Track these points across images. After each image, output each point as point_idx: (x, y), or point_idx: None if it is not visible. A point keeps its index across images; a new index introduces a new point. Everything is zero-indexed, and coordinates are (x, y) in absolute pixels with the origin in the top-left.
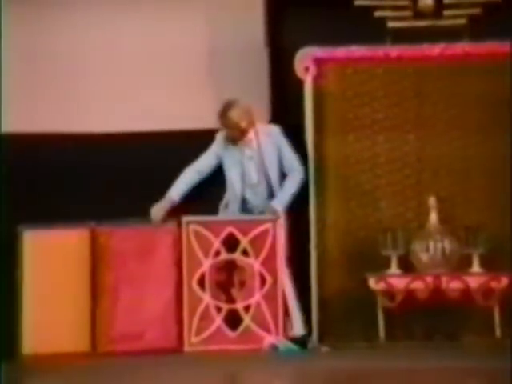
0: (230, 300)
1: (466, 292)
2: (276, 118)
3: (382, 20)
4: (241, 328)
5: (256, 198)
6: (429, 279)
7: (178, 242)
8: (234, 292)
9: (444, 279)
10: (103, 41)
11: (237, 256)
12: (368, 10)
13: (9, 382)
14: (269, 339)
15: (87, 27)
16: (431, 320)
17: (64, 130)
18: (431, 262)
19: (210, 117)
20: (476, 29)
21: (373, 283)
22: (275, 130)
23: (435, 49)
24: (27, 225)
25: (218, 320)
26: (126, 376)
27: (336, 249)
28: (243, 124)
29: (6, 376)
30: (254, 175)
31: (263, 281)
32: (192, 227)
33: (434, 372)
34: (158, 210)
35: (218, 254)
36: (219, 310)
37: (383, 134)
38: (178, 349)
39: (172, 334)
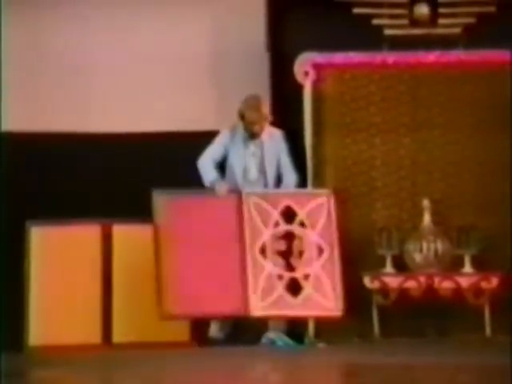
0: (291, 269)
1: (458, 291)
2: (276, 120)
3: (380, 28)
4: (302, 295)
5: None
6: (422, 278)
7: (239, 213)
8: (294, 261)
9: (436, 279)
10: (106, 42)
11: (294, 227)
12: (366, 17)
13: (16, 373)
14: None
15: (90, 28)
16: (424, 318)
17: (67, 130)
18: (424, 261)
19: (212, 119)
20: (470, 37)
21: (368, 282)
22: (278, 134)
23: (430, 56)
24: (34, 220)
25: (280, 287)
26: (136, 367)
27: None
28: (266, 123)
29: (13, 367)
30: (254, 172)
31: (321, 251)
32: (252, 199)
33: (427, 367)
34: (221, 187)
35: (277, 224)
36: (281, 277)
37: (379, 137)
38: (244, 314)
39: (238, 300)
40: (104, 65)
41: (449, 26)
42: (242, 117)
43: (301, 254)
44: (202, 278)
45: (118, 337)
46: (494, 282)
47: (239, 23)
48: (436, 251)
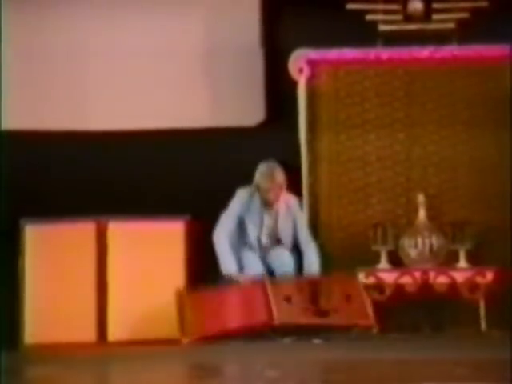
0: None
1: (453, 286)
2: (270, 116)
3: (374, 23)
4: None
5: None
6: (417, 274)
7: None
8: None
9: (432, 274)
10: (102, 41)
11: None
12: (360, 13)
13: (11, 371)
14: None
15: (87, 27)
16: (419, 313)
17: (65, 128)
18: (419, 257)
19: (207, 116)
20: (464, 32)
21: (363, 277)
22: (293, 201)
23: (424, 51)
24: (29, 218)
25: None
26: (131, 365)
27: (328, 244)
28: (284, 186)
29: (8, 365)
30: (265, 240)
31: None
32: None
33: (423, 362)
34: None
35: None
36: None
37: (374, 133)
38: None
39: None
40: (100, 63)
41: (442, 21)
42: (257, 186)
43: None
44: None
45: (113, 335)
46: (489, 276)
47: (233, 19)
48: (431, 246)
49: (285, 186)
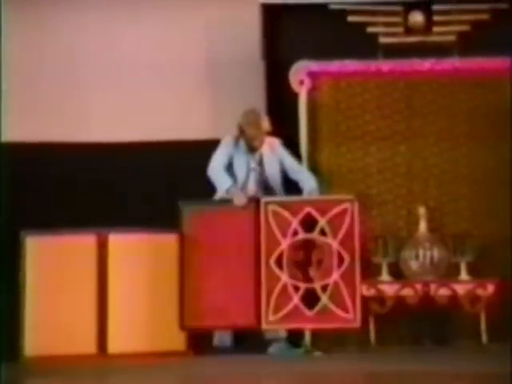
0: (308, 279)
1: (454, 299)
2: (271, 128)
3: (375, 36)
4: (318, 307)
5: None
6: (418, 286)
7: (256, 222)
8: (312, 271)
9: (433, 286)
10: (103, 51)
11: (315, 235)
12: (361, 25)
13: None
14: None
15: (87, 39)
16: (420, 325)
17: (64, 140)
18: (420, 269)
19: (208, 127)
20: (465, 45)
21: (364, 289)
22: (277, 142)
23: (425, 64)
24: (29, 230)
25: (296, 299)
26: (132, 377)
27: None
28: (269, 133)
29: (8, 378)
30: (252, 186)
31: (341, 260)
32: (270, 207)
33: (423, 375)
34: (240, 196)
35: (295, 233)
36: (297, 288)
37: (375, 145)
38: (256, 327)
39: (251, 312)
40: (99, 74)
41: (443, 33)
42: (241, 131)
43: (320, 263)
44: (218, 289)
45: (113, 347)
46: (490, 289)
47: (234, 31)
48: (432, 259)
49: (269, 131)
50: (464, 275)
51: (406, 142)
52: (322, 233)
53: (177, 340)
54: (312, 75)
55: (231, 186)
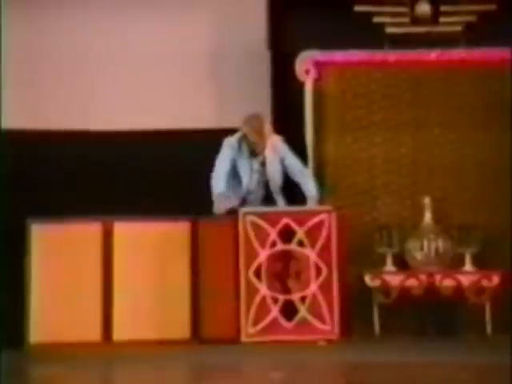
0: (287, 291)
1: (459, 289)
2: (277, 118)
3: (381, 26)
4: (296, 319)
5: (252, 201)
6: (423, 277)
7: (235, 233)
8: (291, 283)
9: (437, 277)
10: (106, 41)
11: (293, 247)
12: (367, 15)
13: (16, 370)
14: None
15: (91, 27)
16: (425, 316)
17: (71, 128)
18: (425, 260)
19: (213, 117)
20: (471, 35)
21: (369, 280)
22: (278, 141)
23: (431, 54)
24: (35, 218)
25: (275, 311)
26: (136, 365)
27: None
28: (270, 137)
29: (13, 364)
30: (254, 185)
31: (319, 271)
32: (249, 218)
33: (427, 366)
34: (221, 204)
35: (274, 244)
36: (276, 300)
37: (380, 136)
38: (235, 339)
39: (229, 324)
40: (105, 64)
41: (450, 24)
42: (244, 136)
43: (298, 274)
44: (198, 300)
45: (118, 334)
46: (495, 280)
47: (240, 21)
48: (437, 249)
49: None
50: (469, 266)
51: (412, 132)
52: (300, 244)
53: (181, 328)
54: (318, 65)
55: (220, 192)
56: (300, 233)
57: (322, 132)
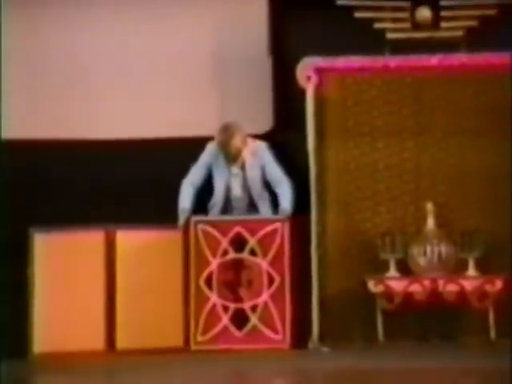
0: (238, 299)
1: (462, 295)
2: (278, 124)
3: (382, 31)
4: (247, 327)
5: (239, 207)
6: (426, 282)
7: (186, 241)
8: (242, 291)
9: (441, 282)
10: (108, 48)
11: (244, 255)
12: (368, 21)
13: (20, 380)
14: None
15: (92, 34)
16: (428, 321)
17: (73, 137)
18: (428, 265)
19: (214, 124)
20: (472, 40)
21: (372, 286)
22: (261, 147)
23: (433, 59)
24: (38, 227)
25: (225, 319)
26: (140, 374)
27: (336, 252)
28: (243, 148)
29: (17, 374)
30: (238, 190)
31: (271, 280)
32: (200, 227)
33: (431, 372)
34: (182, 219)
35: (225, 253)
36: (226, 309)
37: (382, 141)
38: (184, 348)
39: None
40: (105, 73)
41: (451, 29)
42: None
43: (250, 283)
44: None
45: (121, 343)
46: (498, 285)
47: (241, 27)
48: (440, 255)
49: (245, 143)
50: (472, 271)
51: (414, 137)
52: (252, 253)
53: (176, 337)
54: (319, 71)
55: (182, 209)
56: (252, 242)
57: (323, 138)
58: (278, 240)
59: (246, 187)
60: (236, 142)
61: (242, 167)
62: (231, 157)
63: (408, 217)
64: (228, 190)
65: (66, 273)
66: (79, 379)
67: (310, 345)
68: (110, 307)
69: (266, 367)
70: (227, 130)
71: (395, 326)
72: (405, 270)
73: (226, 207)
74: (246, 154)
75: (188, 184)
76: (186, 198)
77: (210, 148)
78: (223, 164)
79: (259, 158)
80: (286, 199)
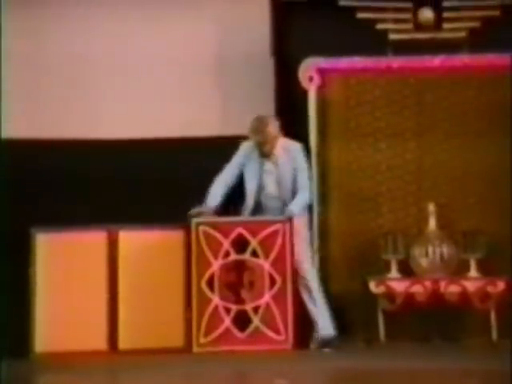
0: (240, 301)
1: (464, 296)
2: (281, 125)
3: (384, 32)
4: (250, 329)
5: (272, 206)
6: (428, 283)
7: (187, 243)
8: (244, 293)
9: (442, 283)
10: (110, 48)
11: (246, 257)
12: (371, 22)
13: (22, 380)
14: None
15: (93, 35)
16: (430, 322)
17: (75, 137)
18: (430, 266)
19: (216, 124)
20: (475, 41)
21: (373, 286)
22: (295, 148)
23: (435, 60)
24: (40, 227)
25: (227, 321)
26: (142, 374)
27: (338, 252)
28: (278, 137)
29: (19, 374)
30: (272, 187)
31: (273, 281)
32: (201, 228)
33: (433, 373)
34: (195, 211)
35: (227, 254)
36: (228, 310)
37: (384, 142)
38: (186, 349)
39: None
40: (106, 73)
41: (453, 30)
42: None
43: (251, 284)
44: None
45: (124, 343)
46: (500, 286)
47: (243, 28)
48: (442, 255)
49: (279, 134)
50: (474, 272)
51: (416, 138)
52: (254, 254)
53: (178, 337)
54: (321, 72)
55: (207, 205)
56: (253, 243)
57: (326, 139)
58: (279, 241)
59: (279, 185)
60: (271, 129)
61: (275, 164)
62: (265, 147)
63: (410, 218)
64: (260, 189)
65: (68, 273)
66: (81, 379)
67: (312, 345)
68: (112, 307)
69: (269, 368)
70: (262, 119)
71: (397, 327)
72: (406, 270)
73: (258, 209)
74: (280, 151)
75: (219, 182)
76: (213, 196)
77: (244, 147)
78: (256, 162)
79: (293, 159)
80: (297, 203)
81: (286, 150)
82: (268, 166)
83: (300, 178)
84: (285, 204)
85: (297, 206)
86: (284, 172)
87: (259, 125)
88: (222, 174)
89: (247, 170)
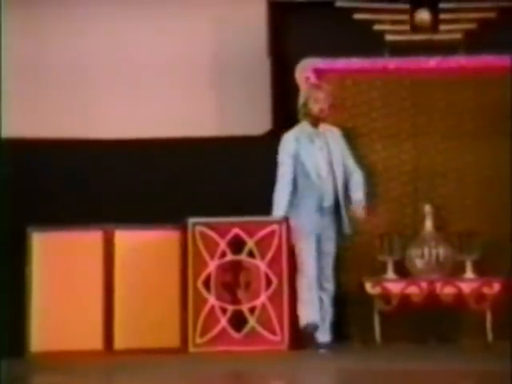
0: (236, 301)
1: (460, 297)
2: (277, 125)
3: (381, 33)
4: (246, 329)
5: (327, 193)
6: (423, 284)
7: (183, 243)
8: (240, 293)
9: (438, 284)
10: (108, 48)
11: (242, 257)
12: (367, 23)
13: (17, 379)
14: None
15: (92, 35)
16: (426, 323)
17: (72, 136)
18: (426, 267)
19: (213, 125)
20: (471, 43)
21: (369, 287)
22: (336, 133)
23: (431, 61)
24: (36, 226)
25: (223, 321)
26: (138, 374)
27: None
28: (329, 103)
29: (14, 373)
30: (323, 167)
31: (269, 282)
32: (198, 228)
33: (428, 373)
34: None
35: (223, 255)
36: (224, 311)
37: (381, 143)
38: (182, 349)
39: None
40: (105, 72)
41: (450, 31)
42: (304, 105)
43: (248, 285)
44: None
45: (119, 343)
46: (496, 287)
47: (241, 28)
48: (437, 257)
49: (330, 103)
50: (469, 273)
51: (412, 139)
52: (250, 254)
53: (174, 337)
54: (318, 72)
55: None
56: (250, 243)
57: None
58: (275, 241)
59: (331, 166)
60: (321, 95)
61: (325, 142)
62: (323, 110)
63: (406, 219)
64: (317, 169)
65: (64, 272)
66: (77, 378)
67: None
68: (108, 307)
69: (264, 368)
70: (312, 86)
71: (392, 328)
72: (402, 271)
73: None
74: (327, 132)
75: (283, 185)
76: (280, 208)
77: (288, 140)
78: (307, 142)
79: (339, 142)
80: (359, 189)
81: (331, 131)
82: (318, 143)
83: (347, 161)
84: (335, 187)
85: (361, 193)
86: (335, 152)
87: (311, 91)
88: (281, 182)
89: (302, 154)
